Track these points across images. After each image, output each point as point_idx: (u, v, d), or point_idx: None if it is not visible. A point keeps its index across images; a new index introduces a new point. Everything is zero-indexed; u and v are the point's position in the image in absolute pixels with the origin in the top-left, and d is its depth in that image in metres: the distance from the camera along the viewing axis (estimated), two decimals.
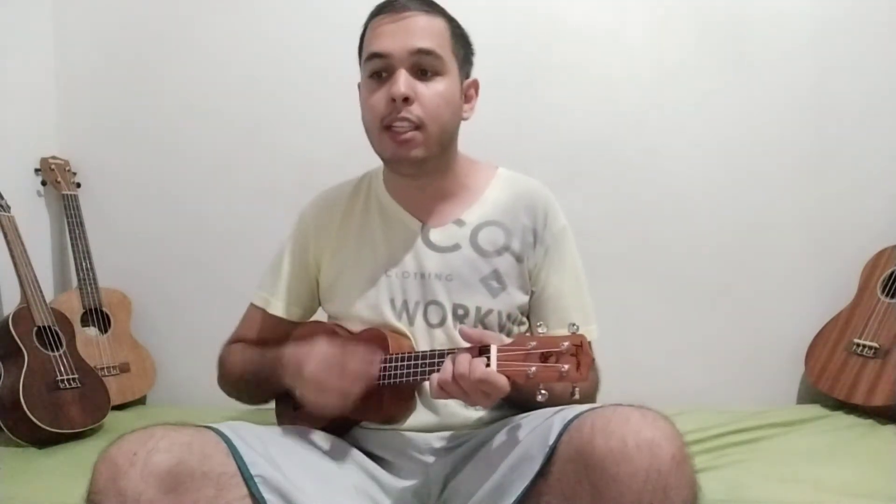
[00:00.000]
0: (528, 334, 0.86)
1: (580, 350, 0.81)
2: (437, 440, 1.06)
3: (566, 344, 0.81)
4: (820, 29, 1.83)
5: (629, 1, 1.87)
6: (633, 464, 0.74)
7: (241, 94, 1.95)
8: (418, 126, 1.02)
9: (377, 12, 1.07)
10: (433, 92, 1.03)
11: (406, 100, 1.01)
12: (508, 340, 0.88)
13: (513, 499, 0.84)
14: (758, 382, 1.85)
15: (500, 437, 0.96)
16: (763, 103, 1.85)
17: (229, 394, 1.23)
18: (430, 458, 1.05)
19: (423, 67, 1.03)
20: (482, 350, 0.87)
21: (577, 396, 0.83)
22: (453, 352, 0.91)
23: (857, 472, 1.29)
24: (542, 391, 0.83)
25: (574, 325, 0.84)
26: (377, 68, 1.04)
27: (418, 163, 1.05)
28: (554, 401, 0.85)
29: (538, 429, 0.88)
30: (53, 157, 1.92)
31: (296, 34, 1.92)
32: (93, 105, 2.00)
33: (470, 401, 0.88)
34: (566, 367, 0.80)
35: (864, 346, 1.66)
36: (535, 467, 0.83)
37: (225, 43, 1.96)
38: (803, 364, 1.80)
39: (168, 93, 1.98)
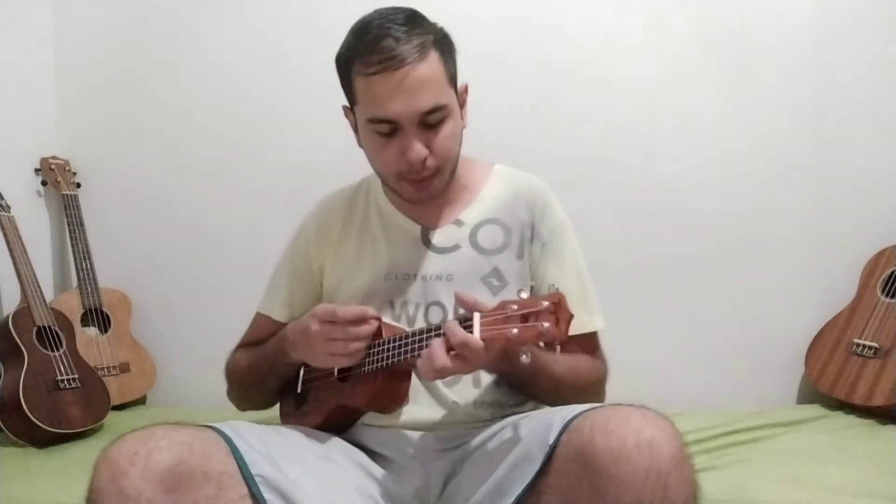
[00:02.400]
0: (510, 300, 0.87)
1: (559, 307, 0.82)
2: (437, 439, 1.06)
3: (545, 303, 0.82)
4: (820, 31, 1.83)
5: (629, 4, 1.87)
6: (632, 463, 0.74)
7: (240, 96, 1.95)
8: (434, 173, 1.05)
9: (366, 61, 0.97)
10: (443, 137, 1.03)
11: (423, 159, 1.02)
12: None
13: (513, 498, 0.84)
14: (758, 382, 1.85)
15: (500, 437, 0.96)
16: (763, 104, 1.85)
17: (238, 398, 1.24)
18: (431, 458, 1.05)
19: (432, 122, 1.02)
20: (466, 319, 0.88)
21: (556, 352, 0.84)
22: (438, 327, 0.91)
23: (857, 472, 1.29)
24: (526, 353, 0.84)
25: (553, 285, 0.85)
26: (385, 131, 1.02)
27: (436, 197, 1.09)
28: (546, 377, 0.87)
29: (538, 428, 0.88)
30: (53, 157, 1.92)
31: (295, 38, 1.92)
32: (93, 105, 2.00)
33: (453, 368, 0.87)
34: (546, 324, 0.81)
35: (864, 346, 1.66)
36: (535, 467, 0.83)
37: (224, 45, 1.96)
38: (803, 364, 1.80)
39: (168, 93, 1.98)
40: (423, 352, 0.90)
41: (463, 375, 1.05)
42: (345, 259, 1.17)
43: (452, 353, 0.86)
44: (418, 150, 1.01)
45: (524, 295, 0.86)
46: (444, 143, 1.03)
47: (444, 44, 1.05)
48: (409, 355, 0.95)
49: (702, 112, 1.86)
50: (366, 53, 0.98)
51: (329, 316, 0.99)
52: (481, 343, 0.85)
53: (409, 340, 0.96)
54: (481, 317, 0.87)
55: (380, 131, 1.03)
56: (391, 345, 0.99)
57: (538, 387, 0.99)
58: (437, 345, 0.87)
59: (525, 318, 0.83)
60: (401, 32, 0.98)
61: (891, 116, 1.82)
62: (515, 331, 0.83)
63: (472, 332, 0.86)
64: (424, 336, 0.94)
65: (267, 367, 1.14)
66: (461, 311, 1.08)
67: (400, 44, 0.97)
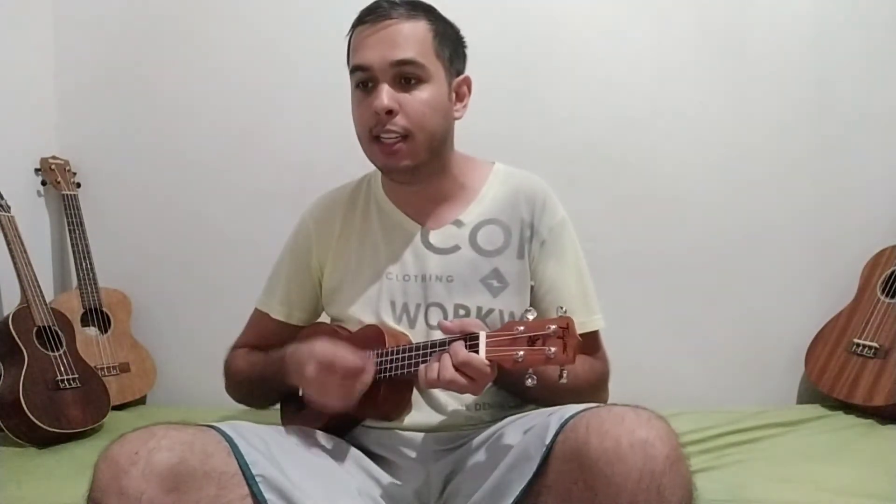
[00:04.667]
0: (516, 320, 0.87)
1: (567, 332, 0.82)
2: (437, 440, 1.06)
3: (553, 327, 0.82)
4: (820, 30, 1.83)
5: (630, 2, 1.87)
6: (626, 464, 0.74)
7: (240, 95, 1.95)
8: (405, 136, 1.03)
9: (360, 20, 1.06)
10: (417, 100, 1.03)
11: (390, 112, 1.02)
12: (488, 329, 0.89)
13: (511, 499, 0.84)
14: (758, 382, 1.85)
15: (499, 438, 0.97)
16: (763, 104, 1.85)
17: (237, 399, 1.24)
18: (431, 459, 1.05)
19: (406, 76, 1.03)
20: (472, 338, 0.88)
21: (564, 380, 0.83)
22: (444, 342, 0.91)
23: (857, 472, 1.29)
24: (532, 375, 0.84)
25: (561, 307, 0.85)
26: (361, 80, 1.05)
27: (409, 171, 1.07)
28: (545, 385, 0.86)
29: (535, 428, 0.88)
30: (53, 157, 1.92)
31: (295, 36, 1.92)
32: (93, 105, 2.00)
33: (457, 387, 0.87)
34: (553, 349, 0.81)
35: (864, 346, 1.66)
36: (533, 467, 0.83)
37: (224, 44, 1.96)
38: (803, 364, 1.80)
39: (168, 93, 1.98)
40: (427, 365, 0.90)
41: None
42: (345, 259, 1.17)
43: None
44: (384, 97, 1.02)
45: (531, 316, 0.86)
46: (417, 106, 1.03)
47: (441, 26, 1.08)
48: (413, 369, 0.95)
49: (702, 111, 1.86)
50: (361, 16, 1.07)
51: (327, 363, 0.95)
52: (486, 363, 0.85)
53: (414, 353, 0.96)
54: (487, 336, 0.87)
55: (358, 80, 1.06)
56: (395, 356, 0.98)
57: (537, 393, 1.00)
58: (446, 358, 0.87)
59: (532, 341, 0.83)
60: (398, 2, 1.05)
61: (891, 116, 1.82)
62: (522, 353, 0.83)
63: (477, 351, 0.86)
64: (429, 351, 0.93)
65: (266, 383, 1.13)
66: (461, 312, 1.09)
67: (392, 6, 1.05)
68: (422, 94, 1.04)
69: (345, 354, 0.95)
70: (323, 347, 0.97)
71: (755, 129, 1.85)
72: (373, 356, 0.98)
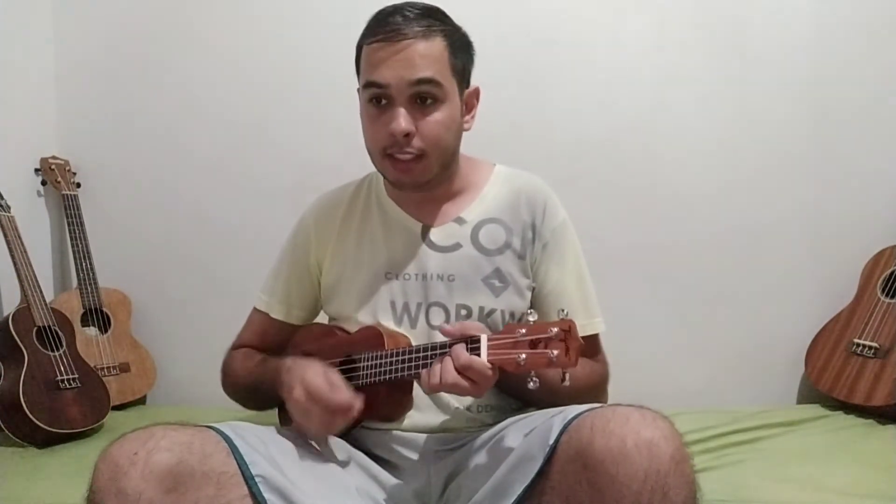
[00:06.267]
0: (518, 323, 0.86)
1: (569, 335, 0.82)
2: (438, 441, 1.06)
3: (555, 330, 0.82)
4: (820, 29, 1.83)
5: (629, 1, 1.87)
6: (632, 464, 0.74)
7: (241, 94, 1.95)
8: (420, 155, 1.03)
9: (373, 33, 1.03)
10: (433, 121, 1.03)
11: (407, 135, 1.01)
12: (489, 332, 0.89)
13: (513, 499, 0.84)
14: (758, 382, 1.85)
15: (501, 438, 0.96)
16: (763, 103, 1.85)
17: (233, 399, 1.24)
18: (432, 459, 1.05)
19: (423, 96, 1.02)
20: (474, 341, 0.88)
21: (566, 382, 0.83)
22: (444, 344, 0.91)
23: (857, 472, 1.29)
24: (534, 378, 0.84)
25: (563, 310, 0.85)
26: (375, 96, 1.03)
27: (420, 186, 1.07)
28: (546, 388, 0.86)
29: (538, 429, 0.88)
30: (53, 157, 1.92)
31: (297, 34, 1.92)
32: (93, 105, 2.00)
33: (459, 391, 0.87)
34: (555, 352, 0.81)
35: (864, 346, 1.66)
36: (536, 467, 0.83)
37: (225, 43, 1.96)
38: (803, 364, 1.80)
39: (168, 92, 1.98)
40: (429, 369, 0.90)
41: None
42: (343, 255, 1.16)
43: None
44: (401, 121, 1.01)
45: (532, 319, 0.86)
46: (433, 127, 1.03)
47: (455, 38, 1.06)
48: (412, 371, 0.95)
49: (702, 110, 1.86)
50: (374, 27, 1.04)
51: (314, 393, 0.94)
52: (488, 366, 0.85)
53: (414, 356, 0.95)
54: (488, 339, 0.86)
55: (373, 98, 1.03)
56: (395, 359, 0.98)
57: (538, 395, 0.99)
58: (448, 362, 0.87)
59: (534, 344, 0.83)
60: (412, 15, 1.02)
61: (891, 116, 1.82)
62: (524, 356, 0.83)
63: (478, 354, 0.86)
64: (429, 354, 0.93)
65: (261, 390, 1.12)
66: (463, 312, 1.08)
67: (407, 22, 1.01)
68: (437, 115, 1.03)
69: (334, 389, 0.94)
70: (314, 375, 0.96)
71: (755, 129, 1.85)
72: (362, 399, 0.96)
